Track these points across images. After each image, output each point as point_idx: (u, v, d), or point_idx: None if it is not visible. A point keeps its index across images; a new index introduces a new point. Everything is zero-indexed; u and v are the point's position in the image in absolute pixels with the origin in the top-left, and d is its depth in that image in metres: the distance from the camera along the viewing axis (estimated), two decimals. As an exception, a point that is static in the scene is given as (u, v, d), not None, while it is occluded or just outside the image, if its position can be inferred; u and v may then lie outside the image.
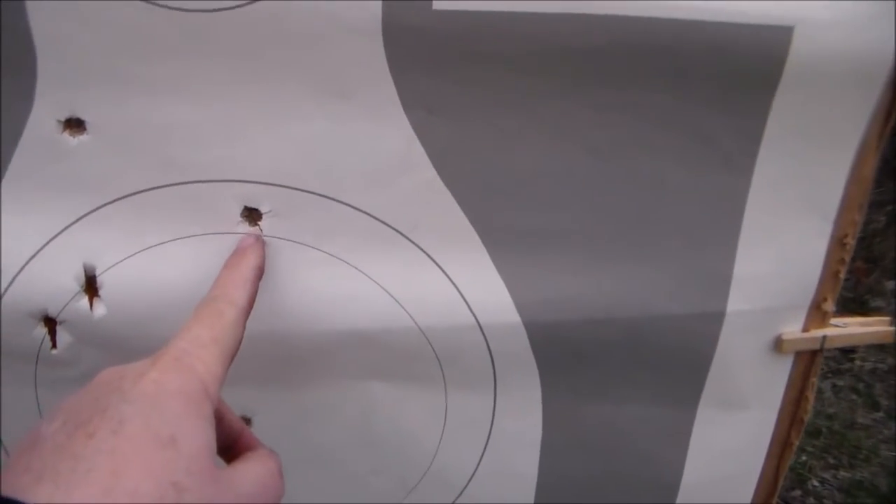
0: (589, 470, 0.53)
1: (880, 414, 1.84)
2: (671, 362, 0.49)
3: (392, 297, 0.45)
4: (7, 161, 0.42)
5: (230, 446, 0.35)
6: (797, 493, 1.68)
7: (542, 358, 0.48)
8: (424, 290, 0.45)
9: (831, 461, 1.76)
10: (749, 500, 0.56)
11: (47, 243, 0.44)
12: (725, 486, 0.55)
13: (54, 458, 0.27)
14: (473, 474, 0.52)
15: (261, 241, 0.43)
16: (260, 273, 0.41)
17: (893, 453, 1.72)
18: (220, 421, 0.33)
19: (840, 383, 1.94)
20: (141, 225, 0.44)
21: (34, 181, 0.43)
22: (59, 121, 0.41)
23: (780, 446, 0.55)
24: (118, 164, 0.42)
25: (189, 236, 0.44)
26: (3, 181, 0.43)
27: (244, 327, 0.37)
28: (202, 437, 0.30)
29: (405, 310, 0.45)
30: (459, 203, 0.43)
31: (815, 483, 1.71)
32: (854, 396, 1.90)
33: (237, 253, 0.42)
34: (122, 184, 0.43)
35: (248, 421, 0.49)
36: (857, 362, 1.99)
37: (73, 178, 0.42)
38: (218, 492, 0.30)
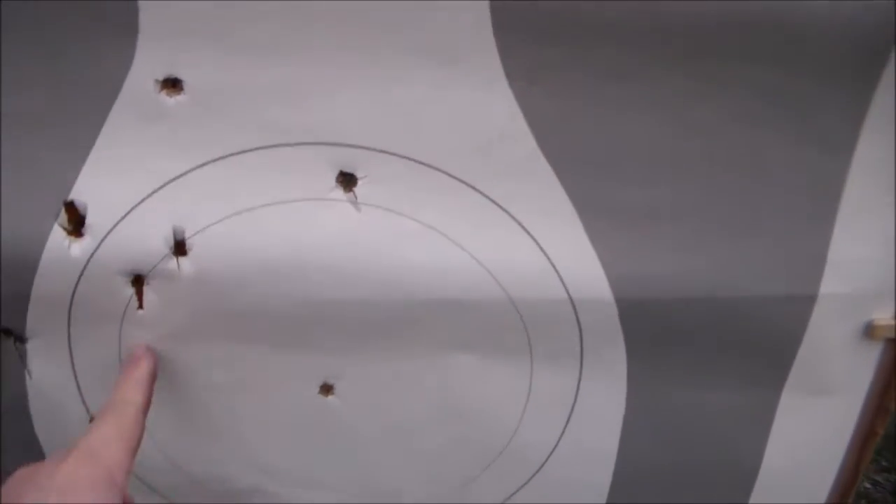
0: (668, 452, 0.52)
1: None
2: (759, 345, 0.48)
3: (484, 267, 0.44)
4: (103, 119, 0.42)
5: None
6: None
7: (632, 335, 0.47)
8: (517, 262, 0.44)
9: (884, 464, 1.74)
10: (828, 490, 0.55)
11: (139, 204, 0.44)
12: (805, 474, 0.54)
13: None
14: (552, 451, 0.51)
15: (151, 350, 0.47)
16: (153, 377, 0.45)
17: (947, 457, 1.69)
18: None
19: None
20: (234, 188, 0.43)
21: (129, 140, 0.43)
22: (157, 80, 0.41)
23: (864, 436, 0.53)
24: (214, 125, 0.42)
25: (281, 202, 0.43)
26: (98, 139, 0.43)
27: (144, 423, 0.42)
28: None
29: (497, 281, 0.44)
30: (558, 176, 0.43)
31: (868, 485, 1.69)
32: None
33: (132, 361, 0.45)
34: (217, 145, 0.42)
35: (330, 388, 0.49)
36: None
37: (169, 138, 0.42)
38: None
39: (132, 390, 0.43)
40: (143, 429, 0.41)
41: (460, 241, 0.44)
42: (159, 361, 0.47)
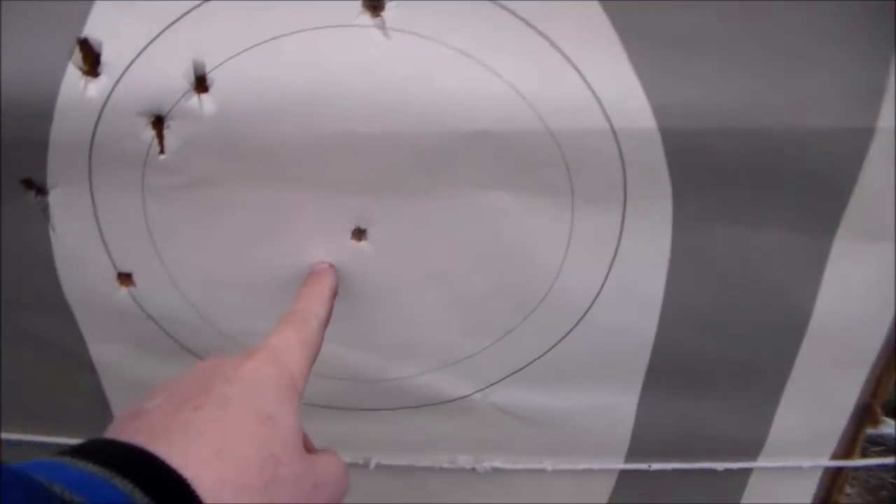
0: (716, 296, 0.50)
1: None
2: (812, 183, 0.46)
3: (521, 95, 0.42)
4: (112, -50, 0.40)
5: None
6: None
7: (677, 170, 0.44)
8: (556, 90, 0.42)
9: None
10: (881, 343, 0.53)
11: (154, 39, 0.42)
12: (857, 325, 0.52)
13: (165, 423, 0.30)
14: (597, 296, 0.49)
15: (332, 267, 0.48)
16: (335, 294, 0.46)
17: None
18: None
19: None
20: (254, 17, 0.41)
21: (140, -30, 0.40)
22: None
23: (921, 284, 0.51)
24: (230, -54, 0.39)
25: (306, 29, 0.41)
26: (108, -29, 0.40)
27: (323, 336, 0.42)
28: (294, 421, 0.34)
29: (535, 110, 0.42)
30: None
31: None
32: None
33: (315, 275, 0.47)
34: (234, -28, 0.40)
35: (363, 232, 0.47)
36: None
37: (182, -35, 0.40)
38: (305, 470, 0.33)
39: (316, 303, 0.43)
40: (322, 341, 0.41)
41: (496, 69, 0.41)
42: (189, 213, 0.47)
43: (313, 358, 0.40)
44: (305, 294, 0.44)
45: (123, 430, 0.30)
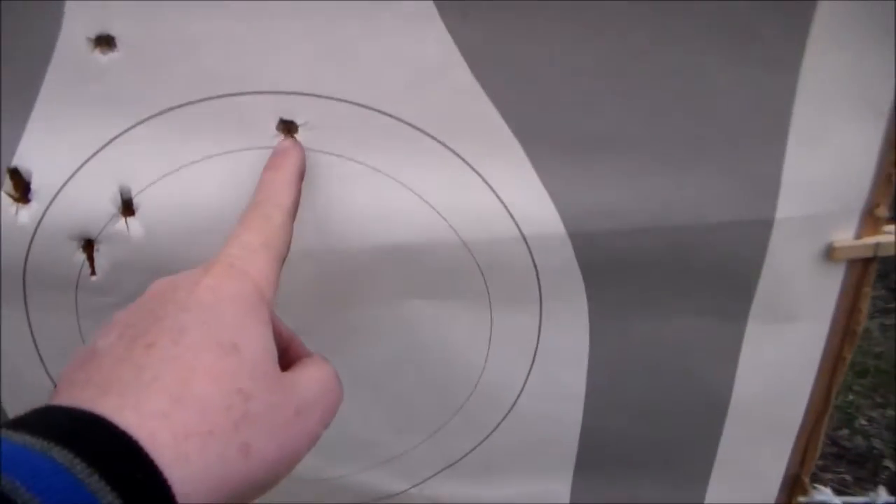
0: (637, 386, 0.52)
1: (929, 352, 1.82)
2: (719, 273, 0.48)
3: (433, 209, 0.44)
4: (39, 84, 0.42)
5: (281, 355, 0.33)
6: (845, 432, 1.66)
7: (588, 270, 0.46)
8: (467, 202, 0.44)
9: (879, 400, 1.75)
10: (801, 416, 0.55)
11: (82, 165, 0.43)
12: (777, 401, 0.54)
13: (116, 370, 0.27)
14: (521, 391, 0.51)
15: (299, 143, 0.42)
16: (302, 173, 0.40)
17: (943, 392, 1.70)
18: (273, 328, 0.32)
19: (888, 322, 1.91)
20: (176, 143, 0.43)
21: (67, 102, 0.42)
22: (89, 38, 0.41)
23: (833, 360, 0.53)
24: (150, 79, 0.41)
25: (225, 153, 0.43)
26: (36, 105, 0.42)
27: (291, 228, 0.37)
28: (263, 343, 0.30)
29: (447, 222, 0.44)
30: (498, 108, 0.42)
31: (863, 422, 1.69)
32: (902, 335, 1.87)
33: (278, 154, 0.41)
34: (155, 100, 0.42)
35: (293, 340, 0.49)
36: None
37: (106, 96, 0.42)
38: (283, 397, 0.30)
39: (279, 190, 0.38)
40: (290, 236, 0.36)
41: (407, 183, 0.43)
42: None
43: (281, 258, 0.35)
44: (267, 181, 0.39)
45: (73, 383, 0.27)
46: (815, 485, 0.60)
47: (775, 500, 0.60)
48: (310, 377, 0.32)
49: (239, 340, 0.29)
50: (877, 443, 1.68)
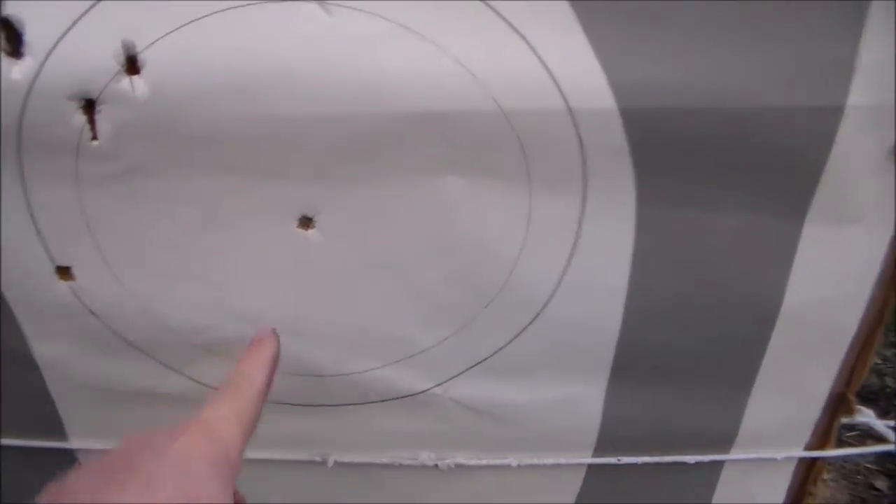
0: (683, 285, 0.48)
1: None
2: (780, 164, 0.44)
3: (472, 74, 0.39)
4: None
5: None
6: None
7: (639, 152, 0.42)
8: (509, 69, 0.40)
9: (892, 339, 1.73)
10: (855, 328, 0.51)
11: (82, 16, 0.39)
12: (830, 310, 0.50)
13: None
14: (557, 287, 0.47)
15: (275, 334, 0.46)
16: (276, 362, 0.44)
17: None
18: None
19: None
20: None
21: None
22: None
23: (893, 269, 0.49)
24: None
25: (241, 5, 0.38)
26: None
27: (261, 407, 0.41)
28: (222, 499, 0.33)
29: (487, 89, 0.40)
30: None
31: (878, 360, 1.67)
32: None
33: (255, 342, 0.45)
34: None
35: (309, 221, 0.45)
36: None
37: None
38: None
39: (255, 369, 0.42)
40: (260, 411, 0.40)
41: (444, 45, 0.39)
42: (127, 202, 0.44)
43: (249, 430, 0.39)
44: (245, 360, 0.43)
45: None
46: (861, 406, 0.57)
47: (817, 419, 0.56)
48: None
49: (203, 495, 0.32)
50: (889, 381, 1.67)
